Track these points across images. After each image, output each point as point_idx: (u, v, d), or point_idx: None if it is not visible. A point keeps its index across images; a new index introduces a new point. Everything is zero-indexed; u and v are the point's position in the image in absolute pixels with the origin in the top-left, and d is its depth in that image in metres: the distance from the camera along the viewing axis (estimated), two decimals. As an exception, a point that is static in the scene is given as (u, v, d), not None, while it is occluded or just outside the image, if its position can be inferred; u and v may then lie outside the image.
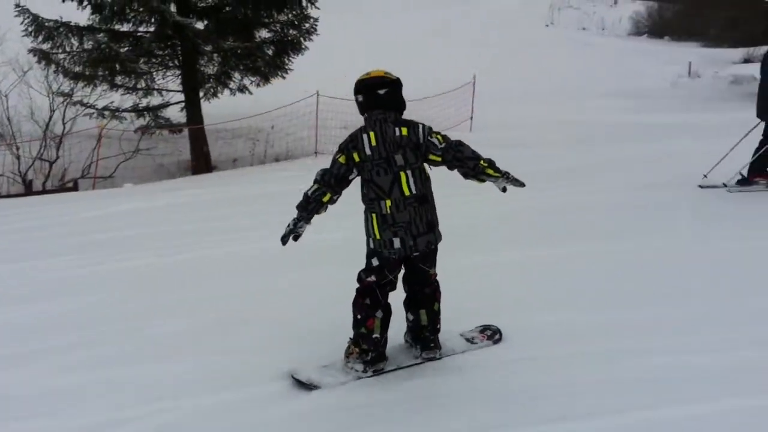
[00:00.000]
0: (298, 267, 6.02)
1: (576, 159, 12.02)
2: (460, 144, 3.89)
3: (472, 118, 17.00)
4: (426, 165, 3.98)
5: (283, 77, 15.55)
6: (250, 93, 15.88)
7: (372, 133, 3.92)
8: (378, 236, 3.95)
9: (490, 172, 3.82)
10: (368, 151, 3.92)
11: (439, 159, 3.88)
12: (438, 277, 4.17)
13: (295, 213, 3.99)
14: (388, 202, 3.91)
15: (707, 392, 3.67)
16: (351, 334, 4.08)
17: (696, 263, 5.79)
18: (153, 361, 4.32)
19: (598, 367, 3.97)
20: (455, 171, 3.91)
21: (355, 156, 3.93)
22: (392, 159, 3.90)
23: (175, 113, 15.64)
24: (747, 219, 7.33)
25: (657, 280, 5.37)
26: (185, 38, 14.11)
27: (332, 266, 5.83)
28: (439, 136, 3.92)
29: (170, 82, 15.55)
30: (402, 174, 3.90)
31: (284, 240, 4.00)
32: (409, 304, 4.19)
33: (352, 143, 3.95)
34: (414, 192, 3.92)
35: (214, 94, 15.84)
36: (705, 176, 9.10)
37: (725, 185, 8.74)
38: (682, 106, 20.27)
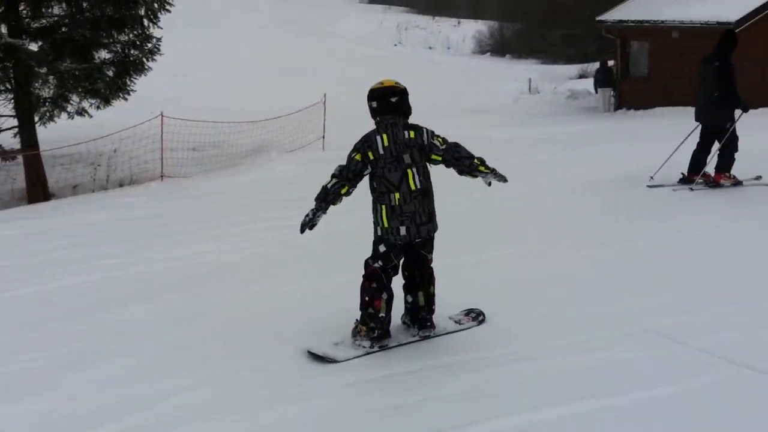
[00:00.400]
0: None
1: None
2: (457, 145, 4.62)
3: (323, 137, 16.92)
4: (427, 163, 4.63)
5: (125, 99, 14.93)
6: (90, 116, 15.15)
7: (385, 135, 4.56)
8: (387, 224, 4.57)
9: (482, 168, 4.60)
10: (381, 151, 4.55)
11: (440, 158, 4.60)
12: (432, 264, 4.80)
13: (312, 204, 4.60)
14: (397, 195, 4.54)
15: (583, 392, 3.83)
16: (357, 316, 4.66)
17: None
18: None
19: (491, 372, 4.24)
20: (450, 169, 4.64)
21: (370, 154, 4.56)
22: (401, 158, 4.55)
23: (8, 139, 14.68)
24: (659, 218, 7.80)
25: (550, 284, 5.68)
26: (18, 60, 13.31)
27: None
28: (439, 139, 4.63)
29: (2, 107, 14.64)
30: (409, 171, 4.55)
31: (303, 229, 4.66)
32: (408, 288, 4.81)
33: (367, 143, 4.59)
34: (419, 187, 4.57)
35: (51, 119, 15.00)
36: (651, 177, 9.61)
37: (649, 179, 9.57)
38: (525, 120, 21.13)
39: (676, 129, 14.86)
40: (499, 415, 3.71)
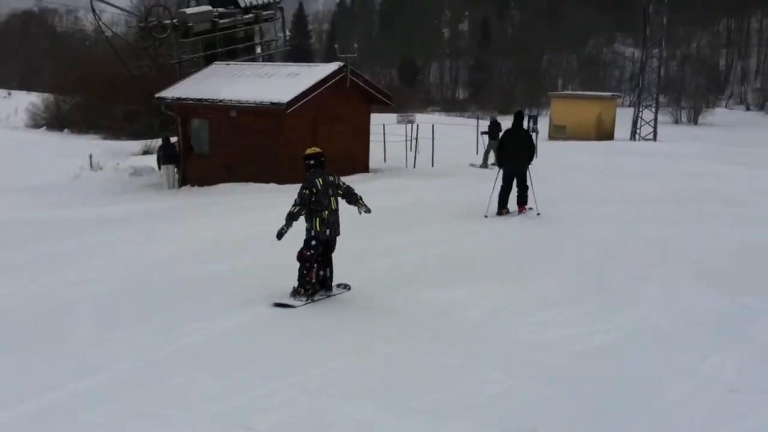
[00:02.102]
0: None
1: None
2: (349, 187, 8.65)
3: None
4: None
5: None
6: None
7: (320, 179, 8.33)
8: (319, 228, 8.31)
9: (360, 202, 8.69)
10: (319, 187, 8.27)
11: (342, 193, 8.55)
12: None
13: (283, 222, 8.17)
14: (326, 212, 8.34)
15: None
16: (295, 283, 8.42)
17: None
18: None
19: None
20: (342, 201, 8.61)
21: (313, 190, 8.22)
22: (328, 191, 8.35)
23: None
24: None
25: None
26: None
27: None
28: (342, 182, 8.60)
29: None
30: (332, 198, 8.40)
31: (280, 236, 8.19)
32: (323, 266, 8.60)
33: (311, 185, 8.24)
34: (335, 207, 8.48)
35: None
36: (486, 216, 13.85)
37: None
38: (85, 199, 19.87)
39: (236, 204, 15.37)
40: None
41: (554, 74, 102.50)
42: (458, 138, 31.75)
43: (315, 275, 8.40)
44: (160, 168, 22.70)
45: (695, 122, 74.75)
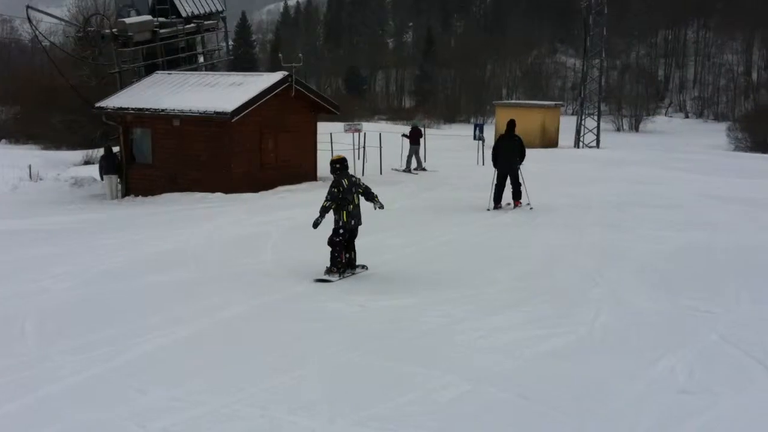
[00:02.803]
0: None
1: None
2: (367, 187, 10.36)
3: None
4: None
5: None
6: None
7: (345, 179, 10.06)
8: (345, 219, 9.97)
9: (376, 200, 10.36)
10: (345, 186, 10.01)
11: (362, 191, 10.25)
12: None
13: (317, 215, 9.98)
14: (351, 206, 10.06)
15: None
16: (328, 264, 10.12)
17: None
18: None
19: None
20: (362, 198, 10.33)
21: (340, 188, 9.94)
22: (352, 189, 10.09)
23: None
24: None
25: None
26: None
27: None
28: (362, 183, 10.39)
29: None
30: (355, 195, 10.14)
31: (316, 225, 9.95)
32: (347, 249, 10.23)
33: (339, 184, 9.96)
34: (358, 203, 10.19)
35: None
36: (488, 209, 15.93)
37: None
38: (25, 210, 19.29)
39: (181, 214, 15.11)
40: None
41: (498, 84, 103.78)
42: (406, 147, 31.82)
43: (345, 256, 10.14)
44: (102, 178, 22.21)
45: (636, 130, 76.55)
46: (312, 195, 18.24)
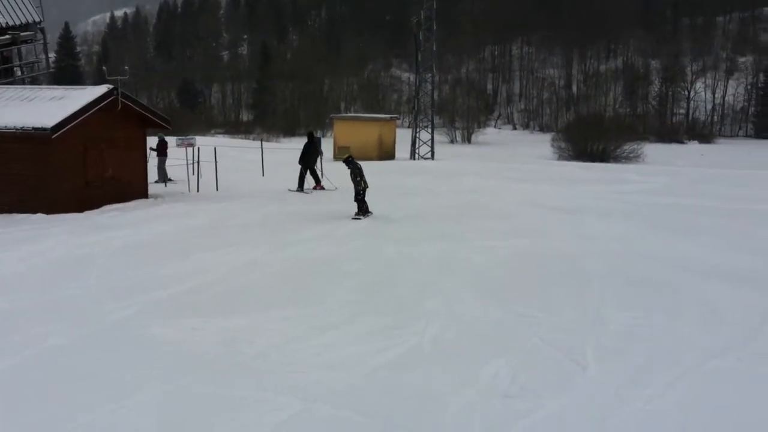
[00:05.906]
0: None
1: None
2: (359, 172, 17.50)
3: None
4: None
5: None
6: None
7: (360, 166, 17.36)
8: (365, 185, 17.06)
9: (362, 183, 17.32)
10: (360, 167, 17.33)
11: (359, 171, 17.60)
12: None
13: (354, 191, 17.10)
14: (365, 178, 17.29)
15: None
16: (354, 213, 16.87)
17: None
18: None
19: None
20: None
21: (360, 170, 17.24)
22: (363, 170, 17.41)
23: None
24: None
25: None
26: None
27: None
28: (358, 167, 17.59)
29: None
30: (364, 175, 17.32)
31: (361, 194, 17.16)
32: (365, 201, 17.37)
33: (359, 167, 17.18)
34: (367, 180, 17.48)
35: None
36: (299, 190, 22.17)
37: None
38: None
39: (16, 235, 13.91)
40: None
41: (336, 97, 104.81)
42: (244, 161, 31.37)
43: (366, 206, 16.88)
44: None
45: (469, 141, 79.78)
46: (143, 213, 17.48)
